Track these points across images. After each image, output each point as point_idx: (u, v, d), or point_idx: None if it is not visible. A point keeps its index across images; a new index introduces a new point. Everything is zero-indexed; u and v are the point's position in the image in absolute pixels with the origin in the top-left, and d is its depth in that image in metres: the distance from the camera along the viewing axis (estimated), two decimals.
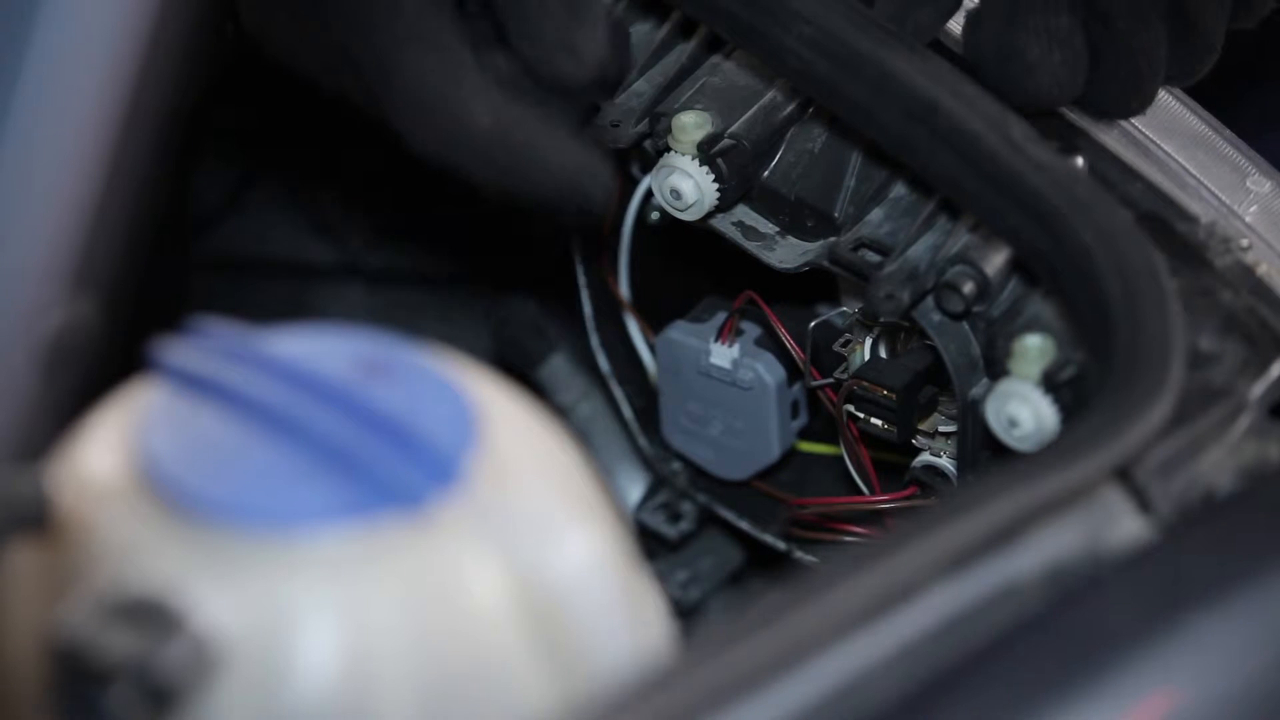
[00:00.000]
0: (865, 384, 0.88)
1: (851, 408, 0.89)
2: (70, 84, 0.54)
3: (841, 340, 0.92)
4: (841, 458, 0.95)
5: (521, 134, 0.83)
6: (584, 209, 0.85)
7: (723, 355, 0.97)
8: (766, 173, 0.91)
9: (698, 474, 1.02)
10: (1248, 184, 0.86)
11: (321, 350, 0.64)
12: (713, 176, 0.89)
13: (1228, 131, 0.89)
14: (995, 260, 0.83)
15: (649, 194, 0.93)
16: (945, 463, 0.90)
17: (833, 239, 0.90)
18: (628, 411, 1.02)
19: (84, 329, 0.60)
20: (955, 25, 0.88)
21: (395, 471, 0.61)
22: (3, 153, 0.55)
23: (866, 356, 0.91)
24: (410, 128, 0.83)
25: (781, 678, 0.61)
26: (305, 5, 0.84)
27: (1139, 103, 0.85)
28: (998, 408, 0.81)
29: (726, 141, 0.89)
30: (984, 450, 0.85)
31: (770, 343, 0.96)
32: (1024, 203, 0.79)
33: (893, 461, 0.93)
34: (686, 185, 0.89)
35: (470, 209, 1.06)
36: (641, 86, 0.92)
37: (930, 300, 0.85)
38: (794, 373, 0.96)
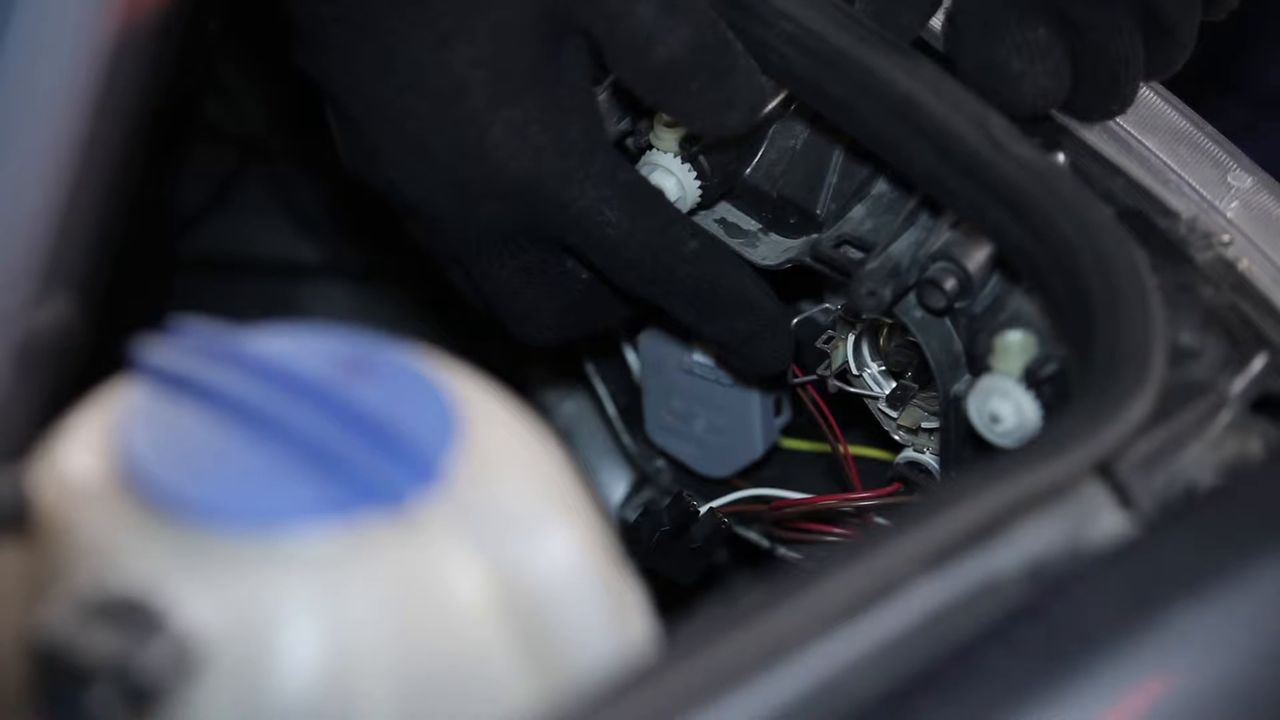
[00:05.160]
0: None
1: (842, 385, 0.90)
2: (42, 81, 0.54)
3: (824, 337, 0.92)
4: (825, 454, 0.95)
5: (709, 271, 0.86)
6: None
7: (706, 352, 0.97)
8: (749, 170, 0.91)
9: (681, 471, 1.02)
10: (1229, 179, 0.87)
11: (303, 349, 0.64)
12: (695, 174, 0.89)
13: (1209, 127, 0.89)
14: (977, 257, 0.83)
15: None
16: (928, 459, 0.90)
17: (815, 236, 0.90)
18: (611, 409, 1.02)
19: (64, 328, 0.60)
20: (936, 22, 0.88)
21: (376, 470, 0.61)
22: None
23: (849, 353, 0.91)
24: (620, 279, 0.86)
25: (763, 675, 0.61)
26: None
27: (1119, 105, 0.85)
28: (980, 404, 0.81)
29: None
30: (966, 446, 0.85)
31: None
32: (1005, 199, 0.79)
33: (876, 458, 0.93)
34: (669, 182, 0.89)
35: None
36: None
37: (912, 297, 0.85)
38: None
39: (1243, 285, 0.81)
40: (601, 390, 1.02)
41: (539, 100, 0.83)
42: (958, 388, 0.85)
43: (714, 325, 0.87)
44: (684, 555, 0.97)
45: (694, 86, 0.83)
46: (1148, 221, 0.83)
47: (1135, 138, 0.87)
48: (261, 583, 0.60)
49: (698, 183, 0.89)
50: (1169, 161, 0.86)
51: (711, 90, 0.83)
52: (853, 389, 0.92)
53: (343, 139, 0.87)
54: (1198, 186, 0.86)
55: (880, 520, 0.93)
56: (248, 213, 1.21)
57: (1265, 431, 0.75)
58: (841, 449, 0.93)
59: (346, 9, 0.83)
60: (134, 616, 0.58)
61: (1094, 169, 0.85)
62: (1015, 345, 0.81)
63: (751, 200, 0.91)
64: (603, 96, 0.88)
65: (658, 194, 0.87)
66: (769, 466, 1.00)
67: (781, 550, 0.97)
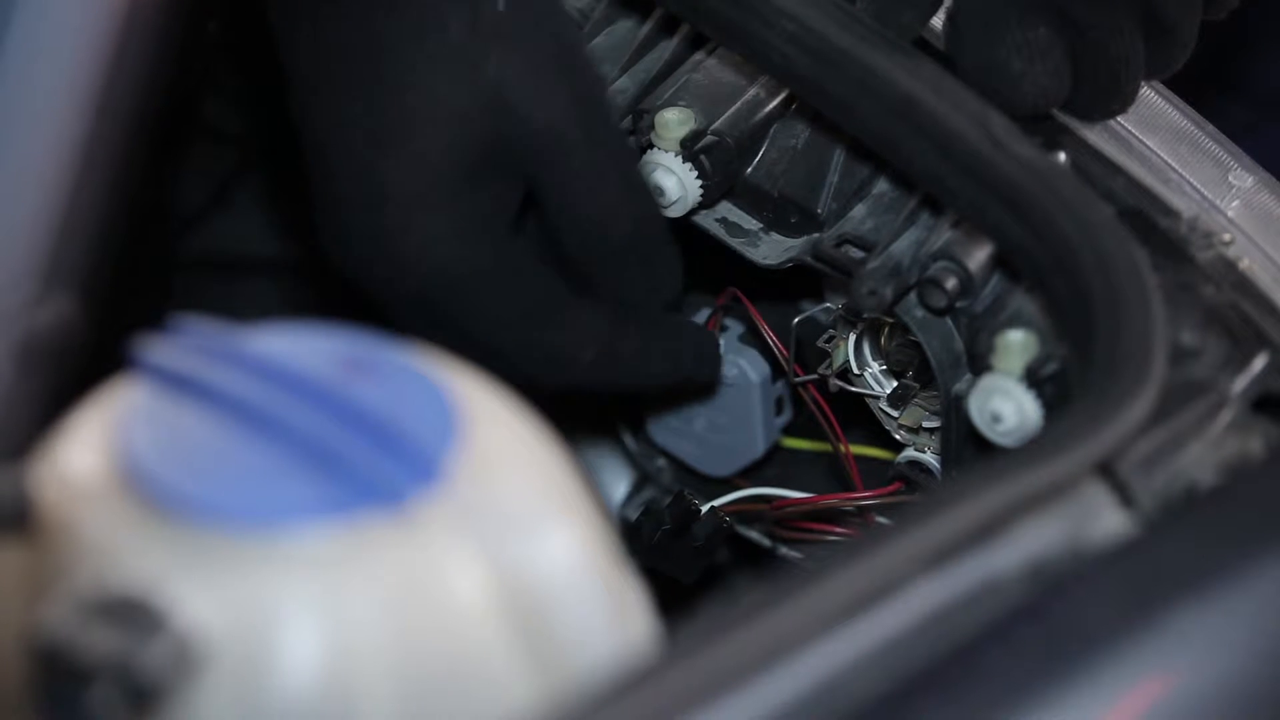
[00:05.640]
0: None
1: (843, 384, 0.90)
2: (42, 81, 0.54)
3: (825, 336, 0.92)
4: (826, 454, 0.95)
5: (626, 351, 0.88)
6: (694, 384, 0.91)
7: None
8: (750, 169, 0.91)
9: (682, 470, 1.02)
10: (1230, 179, 0.87)
11: (303, 348, 0.64)
12: (696, 173, 0.89)
13: (1210, 126, 0.89)
14: (978, 256, 0.83)
15: None
16: (929, 458, 0.90)
17: (816, 235, 0.90)
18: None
19: (64, 327, 0.59)
20: (937, 21, 0.88)
21: (377, 469, 0.61)
22: None
23: (850, 353, 0.91)
24: (513, 364, 0.87)
25: (764, 675, 0.61)
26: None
27: (1119, 104, 0.85)
28: (981, 403, 0.81)
29: (709, 138, 0.89)
30: (967, 445, 0.85)
31: (754, 339, 0.96)
32: (1006, 198, 0.79)
33: (877, 457, 0.93)
34: (670, 182, 0.89)
35: None
36: (624, 83, 0.92)
37: (913, 296, 0.85)
38: (778, 369, 0.96)
39: (1244, 284, 0.81)
40: None
41: (455, 218, 0.85)
42: (959, 387, 0.85)
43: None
44: (685, 554, 0.97)
45: (630, 264, 0.87)
46: (1148, 221, 0.83)
47: (1136, 137, 0.87)
48: (262, 582, 0.60)
49: (699, 182, 0.89)
50: (1170, 161, 0.86)
51: (642, 273, 0.87)
52: (854, 388, 0.92)
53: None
54: (1199, 186, 0.86)
55: (881, 520, 0.93)
56: (248, 213, 1.21)
57: (1266, 431, 0.75)
58: (843, 448, 0.93)
59: (309, 82, 0.86)
60: (135, 616, 0.58)
61: (1095, 168, 0.85)
62: (1016, 344, 0.81)
63: (752, 199, 0.91)
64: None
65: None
66: (770, 466, 1.00)
67: (783, 550, 0.97)
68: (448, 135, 0.84)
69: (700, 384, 0.92)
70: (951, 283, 0.83)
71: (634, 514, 1.02)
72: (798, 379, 0.93)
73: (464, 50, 0.83)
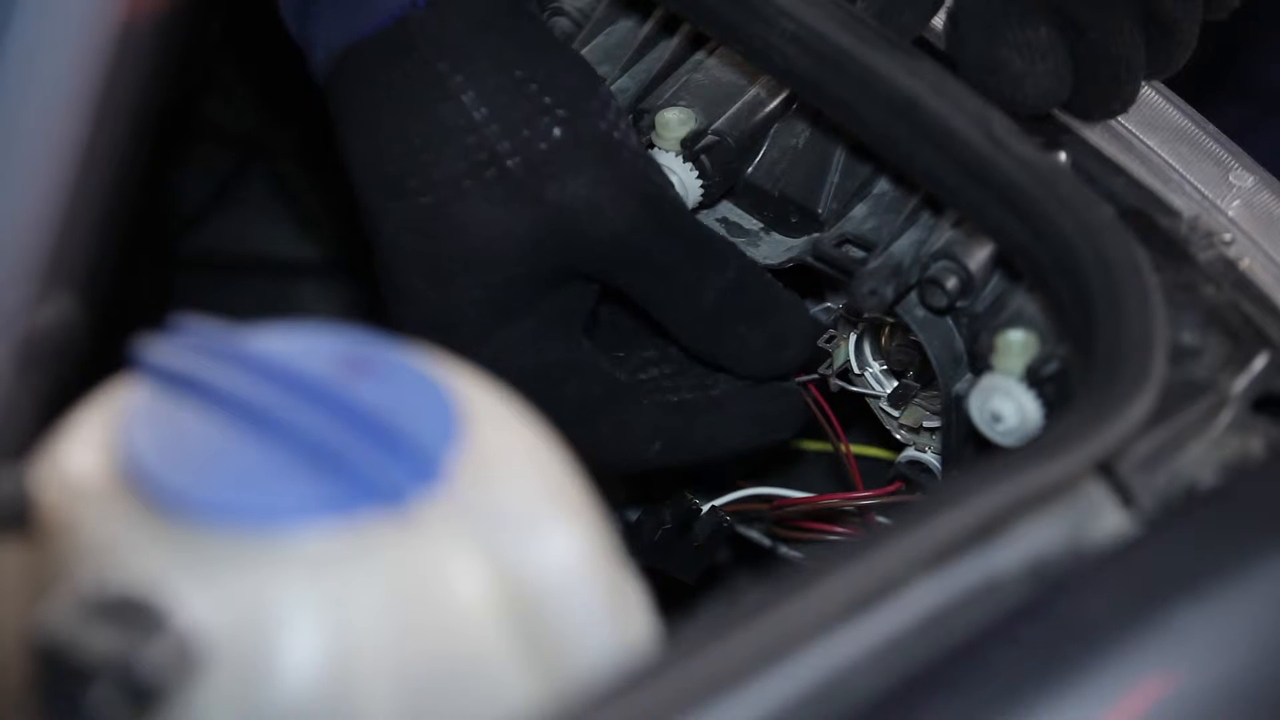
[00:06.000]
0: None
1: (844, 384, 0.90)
2: (43, 81, 0.54)
3: (826, 336, 0.92)
4: (826, 453, 0.95)
5: (697, 438, 0.89)
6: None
7: None
8: (750, 169, 0.91)
9: (682, 469, 1.02)
10: (1230, 178, 0.87)
11: (304, 347, 0.64)
12: (697, 173, 0.89)
13: (1210, 126, 0.89)
14: (978, 256, 0.83)
15: None
16: (929, 458, 0.90)
17: (817, 235, 0.90)
18: None
19: (65, 327, 0.59)
20: (938, 21, 0.88)
21: (378, 469, 0.61)
22: None
23: (851, 352, 0.91)
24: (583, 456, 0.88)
25: (764, 674, 0.61)
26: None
27: (1120, 104, 0.85)
28: (981, 403, 0.81)
29: (710, 138, 0.89)
30: (968, 445, 0.85)
31: None
32: (1006, 198, 0.79)
33: (877, 457, 0.93)
34: (670, 182, 0.89)
35: None
36: (625, 83, 0.92)
37: (914, 296, 0.85)
38: None
39: (1244, 284, 0.81)
40: None
41: (524, 328, 0.86)
42: (959, 387, 0.85)
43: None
44: (686, 554, 0.97)
45: (740, 330, 0.87)
46: (1149, 220, 0.83)
47: (1137, 137, 0.87)
48: (263, 581, 0.60)
49: (699, 182, 0.89)
50: (1170, 160, 0.86)
51: (759, 335, 0.88)
52: (855, 388, 0.92)
53: None
54: (1199, 185, 0.86)
55: (882, 519, 0.93)
56: (248, 212, 1.22)
57: (1266, 431, 0.75)
58: (844, 448, 0.93)
59: (372, 211, 0.87)
60: (135, 615, 0.58)
61: (1095, 168, 0.85)
62: (1017, 344, 0.81)
63: (753, 199, 0.91)
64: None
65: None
66: (771, 465, 1.00)
67: (783, 549, 0.97)
68: (515, 265, 0.85)
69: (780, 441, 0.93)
70: (952, 282, 0.82)
71: (634, 514, 1.02)
72: (798, 379, 0.93)
73: (523, 183, 0.85)
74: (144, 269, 1.13)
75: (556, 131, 0.85)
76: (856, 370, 0.91)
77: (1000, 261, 0.83)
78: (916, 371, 0.90)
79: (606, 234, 0.85)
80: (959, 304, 0.83)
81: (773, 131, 0.91)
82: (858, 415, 0.94)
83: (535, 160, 0.85)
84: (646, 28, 0.92)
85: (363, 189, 0.87)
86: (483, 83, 0.85)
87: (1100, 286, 0.75)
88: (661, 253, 0.86)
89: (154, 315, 0.67)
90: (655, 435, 0.88)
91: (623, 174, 0.86)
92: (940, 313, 0.85)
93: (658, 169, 0.88)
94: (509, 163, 0.85)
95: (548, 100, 0.85)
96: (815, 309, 0.94)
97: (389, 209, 0.86)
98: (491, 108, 0.85)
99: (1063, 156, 0.84)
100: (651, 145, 0.89)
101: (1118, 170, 0.85)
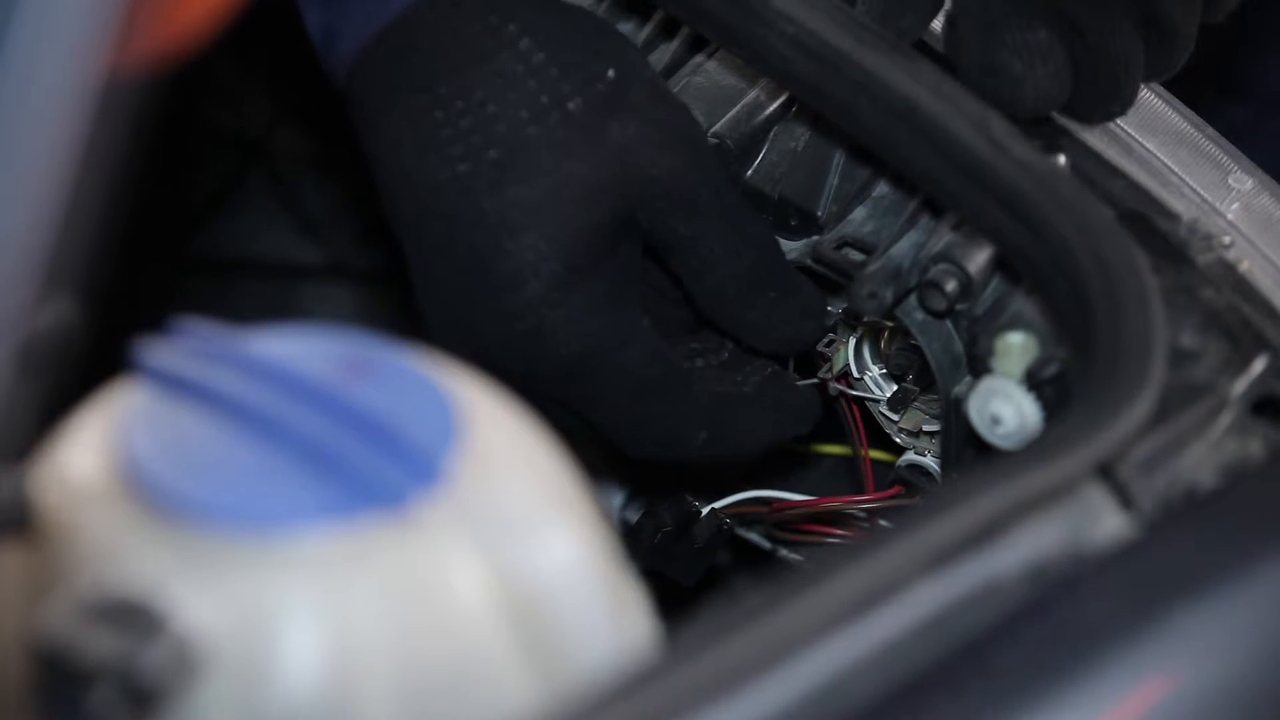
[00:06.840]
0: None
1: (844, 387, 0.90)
2: (43, 81, 0.54)
3: (825, 340, 0.92)
4: (828, 456, 0.95)
5: (739, 431, 0.88)
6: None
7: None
8: (750, 172, 0.91)
9: (682, 471, 1.02)
10: (1229, 181, 0.87)
11: (304, 350, 0.64)
12: None
13: (1209, 129, 0.89)
14: (978, 258, 0.83)
15: None
16: (929, 461, 0.90)
17: (816, 238, 0.90)
18: None
19: (65, 329, 0.59)
20: (937, 24, 0.88)
21: (377, 471, 0.61)
22: None
23: (850, 356, 0.91)
24: (628, 440, 0.88)
25: (764, 676, 0.61)
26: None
27: (1119, 106, 0.85)
28: (981, 405, 0.81)
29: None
30: (967, 448, 0.85)
31: None
32: (1006, 201, 0.79)
33: (877, 460, 0.93)
34: None
35: None
36: None
37: (913, 298, 0.85)
38: None
39: (1243, 287, 0.81)
40: None
41: (592, 290, 0.86)
42: (959, 390, 0.85)
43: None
44: (685, 556, 0.97)
45: (771, 296, 0.88)
46: (1148, 223, 0.83)
47: (1136, 139, 0.87)
48: (263, 584, 0.60)
49: None
50: (1170, 163, 0.86)
51: (780, 312, 0.88)
52: (854, 392, 0.92)
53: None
54: (1198, 188, 0.86)
55: (882, 523, 0.93)
56: (249, 213, 1.22)
57: (1266, 433, 0.75)
58: (863, 451, 0.93)
59: (424, 187, 0.85)
60: (135, 618, 0.58)
61: (1095, 171, 0.85)
62: (1016, 347, 0.81)
63: (753, 202, 0.91)
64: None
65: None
66: (770, 468, 1.00)
67: (783, 552, 0.97)
68: (582, 209, 0.85)
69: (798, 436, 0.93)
70: (951, 285, 0.83)
71: (634, 516, 1.02)
72: (799, 383, 0.93)
73: (585, 124, 0.85)
74: (144, 271, 1.13)
75: (610, 72, 0.86)
76: (856, 374, 0.91)
77: (1000, 264, 0.83)
78: (916, 375, 0.90)
79: (665, 171, 0.86)
80: (958, 307, 0.83)
81: (772, 134, 0.91)
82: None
83: (595, 100, 0.85)
84: (646, 31, 0.92)
85: (410, 169, 0.86)
86: (536, 27, 0.86)
87: (1100, 289, 0.75)
88: (713, 196, 0.86)
89: (154, 318, 0.67)
90: (704, 424, 0.87)
91: (676, 115, 0.87)
92: (939, 315, 0.85)
93: (704, 135, 0.89)
94: (570, 105, 0.85)
95: (598, 44, 0.86)
96: None
97: (443, 179, 0.85)
98: (547, 51, 0.85)
99: (1062, 159, 0.84)
100: None
101: (1117, 173, 0.85)
